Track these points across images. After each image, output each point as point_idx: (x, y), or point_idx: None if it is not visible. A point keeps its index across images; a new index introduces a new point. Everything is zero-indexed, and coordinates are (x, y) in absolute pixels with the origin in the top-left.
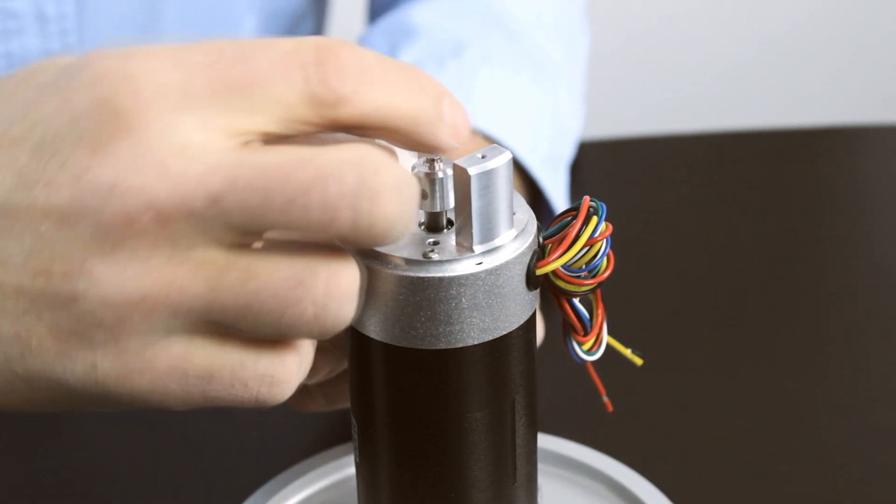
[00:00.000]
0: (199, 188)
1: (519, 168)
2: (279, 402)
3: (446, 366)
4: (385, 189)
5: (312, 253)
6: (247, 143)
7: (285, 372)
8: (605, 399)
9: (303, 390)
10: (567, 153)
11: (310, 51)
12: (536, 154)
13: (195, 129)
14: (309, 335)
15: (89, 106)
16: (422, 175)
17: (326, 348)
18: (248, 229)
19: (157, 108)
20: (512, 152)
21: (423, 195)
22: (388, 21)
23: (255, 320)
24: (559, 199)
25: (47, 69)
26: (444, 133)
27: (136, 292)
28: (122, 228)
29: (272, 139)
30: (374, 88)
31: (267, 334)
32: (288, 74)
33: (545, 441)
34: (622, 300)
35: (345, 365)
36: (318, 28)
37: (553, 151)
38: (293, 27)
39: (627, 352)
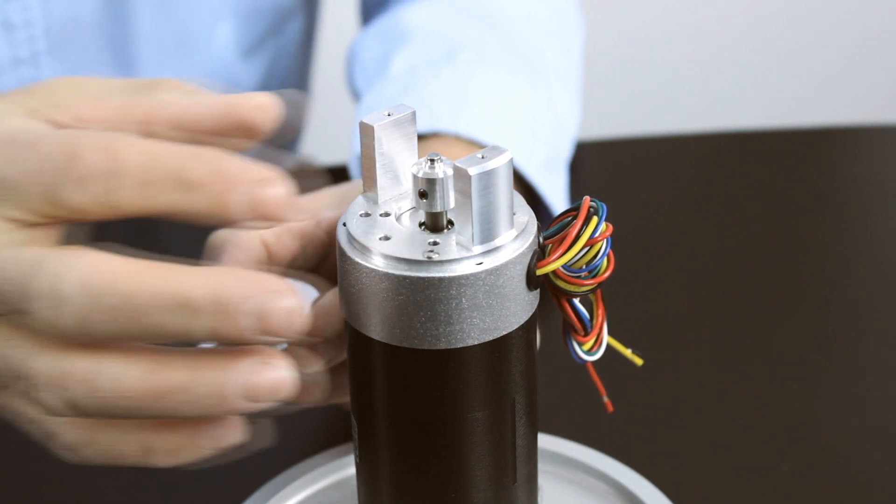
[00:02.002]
0: None
1: (516, 175)
2: None
3: (446, 366)
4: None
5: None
6: (17, 225)
7: None
8: (606, 399)
9: (300, 384)
10: (565, 153)
11: (58, 158)
12: (534, 160)
13: None
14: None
15: None
16: (422, 175)
17: (323, 339)
18: None
19: None
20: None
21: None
22: (382, 24)
23: None
24: (558, 203)
25: None
26: (234, 216)
27: None
28: None
29: (35, 223)
30: (122, 193)
31: None
32: (37, 180)
33: (545, 441)
34: (622, 300)
35: (342, 356)
36: (310, 26)
37: (551, 154)
38: (278, 25)
39: (628, 352)
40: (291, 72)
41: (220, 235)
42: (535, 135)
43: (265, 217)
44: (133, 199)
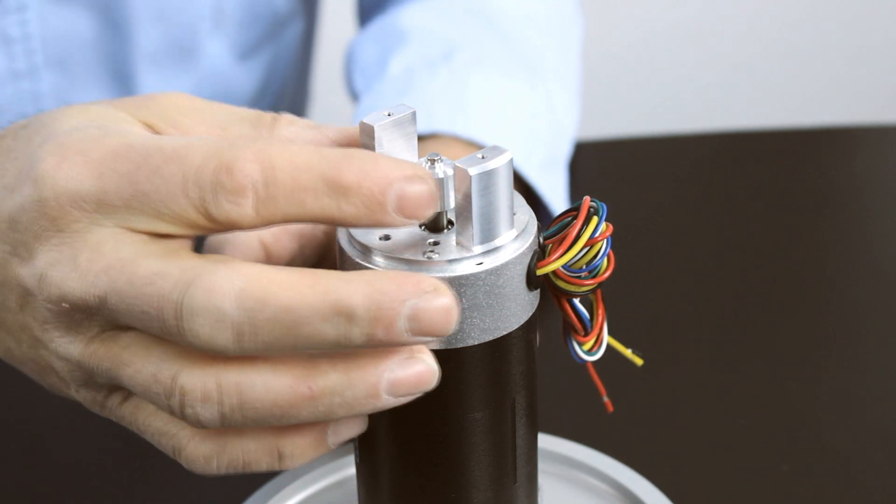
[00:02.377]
0: (93, 288)
1: (515, 175)
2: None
3: (446, 366)
4: (199, 312)
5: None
6: (154, 237)
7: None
8: (606, 399)
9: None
10: (565, 152)
11: (210, 171)
12: (533, 160)
13: (107, 231)
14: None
15: (31, 203)
16: None
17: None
18: (119, 323)
19: (76, 215)
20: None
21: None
22: (379, 25)
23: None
24: (558, 203)
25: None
26: (388, 218)
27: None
28: (48, 312)
29: (178, 235)
30: (277, 202)
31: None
32: (186, 194)
33: (546, 441)
34: (622, 300)
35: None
36: (309, 29)
37: (550, 154)
38: (276, 30)
39: (628, 352)
40: (291, 74)
41: (216, 238)
42: (534, 134)
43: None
44: (287, 207)
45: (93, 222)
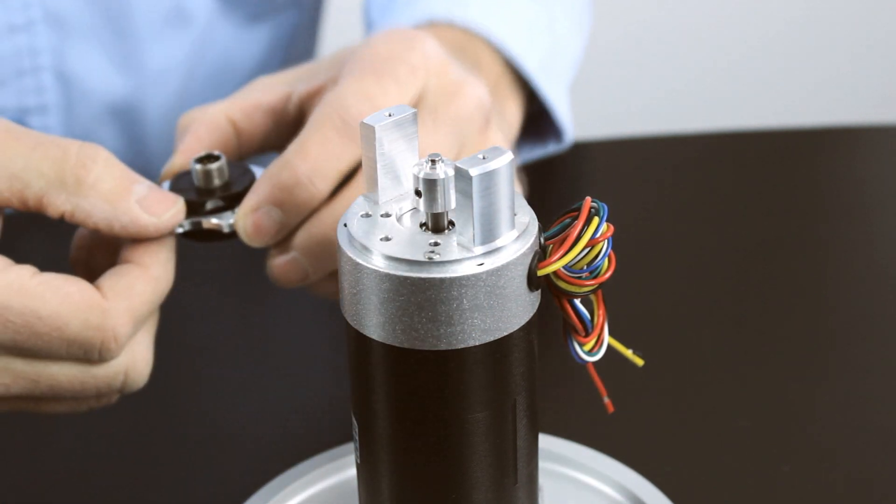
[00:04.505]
0: None
1: (516, 77)
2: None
3: (447, 367)
4: None
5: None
6: None
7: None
8: (606, 400)
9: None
10: (566, 73)
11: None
12: (533, 55)
13: None
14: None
15: None
16: (423, 176)
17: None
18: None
19: None
20: (505, 51)
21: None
22: None
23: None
24: (562, 108)
25: None
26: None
27: None
28: None
29: None
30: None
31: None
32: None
33: (546, 442)
34: (623, 300)
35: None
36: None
37: (551, 63)
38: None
39: (628, 353)
40: (297, 45)
41: (187, 115)
42: (535, 36)
43: None
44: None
45: None
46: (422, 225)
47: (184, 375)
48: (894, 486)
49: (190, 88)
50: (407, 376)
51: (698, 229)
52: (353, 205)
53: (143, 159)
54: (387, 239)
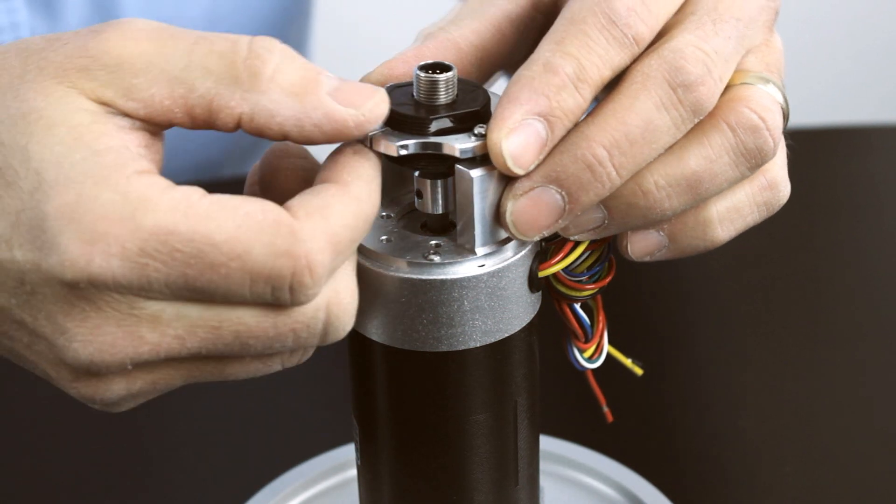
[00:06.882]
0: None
1: None
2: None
3: (448, 368)
4: None
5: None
6: None
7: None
8: (605, 409)
9: None
10: None
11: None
12: None
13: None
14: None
15: (51, 279)
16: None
17: None
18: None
19: (116, 297)
20: None
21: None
22: None
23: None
24: None
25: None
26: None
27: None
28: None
29: None
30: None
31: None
32: (252, 291)
33: (547, 443)
34: (623, 300)
35: None
36: None
37: None
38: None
39: (628, 361)
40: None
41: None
42: None
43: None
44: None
45: (135, 303)
46: (423, 226)
47: None
48: (894, 486)
49: None
50: (407, 378)
51: None
52: None
53: None
54: (388, 240)
